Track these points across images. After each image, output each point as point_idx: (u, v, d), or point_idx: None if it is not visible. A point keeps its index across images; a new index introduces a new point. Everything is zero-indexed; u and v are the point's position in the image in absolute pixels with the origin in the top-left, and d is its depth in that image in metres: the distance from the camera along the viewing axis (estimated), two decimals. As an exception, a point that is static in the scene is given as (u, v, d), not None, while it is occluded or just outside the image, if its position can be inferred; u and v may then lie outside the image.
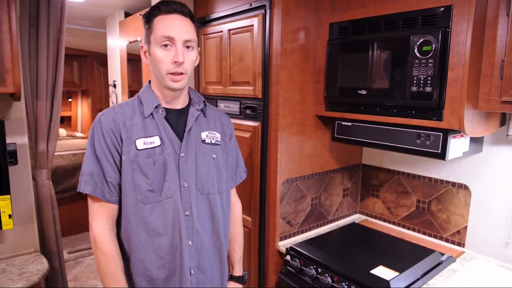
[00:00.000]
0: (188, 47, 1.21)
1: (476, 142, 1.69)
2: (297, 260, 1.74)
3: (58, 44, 1.88)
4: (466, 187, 1.81)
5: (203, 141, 1.30)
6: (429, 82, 1.42)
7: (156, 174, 1.19)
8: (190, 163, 1.25)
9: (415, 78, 1.46)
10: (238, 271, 1.53)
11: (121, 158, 1.19)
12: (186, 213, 1.23)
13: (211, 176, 1.29)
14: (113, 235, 1.21)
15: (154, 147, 1.20)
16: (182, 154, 1.24)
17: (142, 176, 1.18)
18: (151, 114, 1.24)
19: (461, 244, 1.84)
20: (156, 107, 1.25)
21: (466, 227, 1.82)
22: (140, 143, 1.19)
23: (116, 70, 3.51)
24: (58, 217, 2.01)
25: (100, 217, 1.19)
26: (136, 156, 1.18)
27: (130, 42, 3.06)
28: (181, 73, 1.20)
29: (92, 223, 1.19)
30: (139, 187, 1.18)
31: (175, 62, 1.18)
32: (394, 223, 2.13)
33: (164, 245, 1.20)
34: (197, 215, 1.25)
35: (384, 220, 2.18)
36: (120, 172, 1.20)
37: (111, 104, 3.70)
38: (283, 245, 1.87)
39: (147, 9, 1.26)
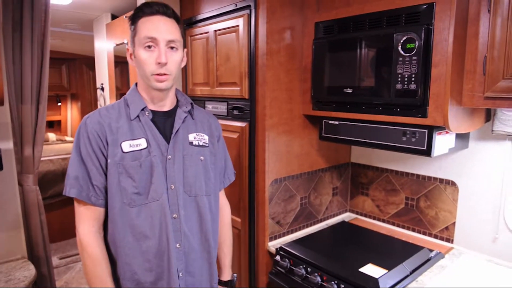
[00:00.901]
0: (172, 47, 1.21)
1: (462, 138, 1.70)
2: (287, 260, 1.74)
3: (43, 47, 1.86)
4: (453, 183, 1.82)
5: (191, 143, 1.30)
6: (413, 79, 1.43)
7: (142, 176, 1.18)
8: (177, 165, 1.24)
9: (400, 75, 1.46)
10: (227, 276, 1.53)
11: (106, 161, 1.18)
12: (174, 215, 1.22)
13: (198, 178, 1.29)
14: (100, 238, 1.20)
15: (141, 150, 1.20)
16: (169, 156, 1.23)
17: (128, 178, 1.17)
18: (138, 116, 1.23)
19: (449, 240, 1.85)
20: (143, 109, 1.24)
21: (454, 223, 1.83)
22: (126, 146, 1.19)
23: (104, 73, 3.48)
24: (46, 222, 1.99)
25: (87, 221, 1.18)
26: (122, 158, 1.17)
27: (117, 45, 3.04)
28: (165, 74, 1.20)
29: (79, 227, 1.18)
30: (125, 190, 1.17)
31: (159, 63, 1.17)
32: (383, 221, 2.14)
33: (151, 248, 1.20)
34: (185, 217, 1.25)
35: (374, 218, 2.19)
36: (106, 175, 1.19)
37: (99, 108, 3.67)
38: (273, 245, 1.87)
39: (132, 12, 1.25)
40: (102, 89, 3.52)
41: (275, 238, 1.92)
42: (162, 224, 1.20)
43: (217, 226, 1.39)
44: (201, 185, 1.30)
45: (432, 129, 1.47)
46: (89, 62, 5.65)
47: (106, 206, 1.21)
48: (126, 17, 2.74)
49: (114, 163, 1.17)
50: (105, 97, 3.48)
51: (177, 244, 1.23)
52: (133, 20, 1.22)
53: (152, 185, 1.19)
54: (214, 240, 1.36)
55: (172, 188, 1.22)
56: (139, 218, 1.18)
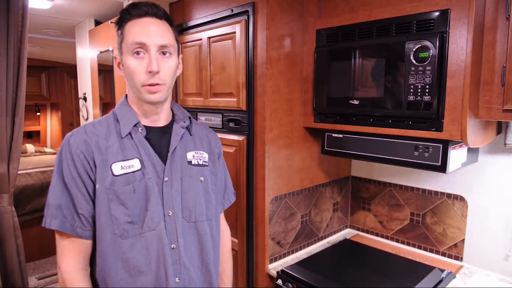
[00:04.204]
0: (164, 53, 1.07)
1: (472, 152, 1.62)
2: (290, 284, 1.61)
3: (20, 54, 1.69)
4: (462, 199, 1.73)
5: (189, 162, 1.15)
6: (427, 90, 1.34)
7: (136, 203, 1.03)
8: (175, 188, 1.10)
9: (412, 86, 1.37)
10: None
11: (94, 186, 1.03)
12: (172, 245, 1.07)
13: (199, 202, 1.15)
14: (86, 276, 1.04)
15: (134, 172, 1.05)
16: (166, 179, 1.09)
17: (120, 206, 1.02)
18: (129, 133, 1.09)
19: (458, 258, 1.76)
20: (135, 125, 1.10)
21: (463, 240, 1.74)
22: (117, 168, 1.04)
23: (86, 82, 3.31)
24: (23, 247, 1.81)
25: (71, 256, 1.02)
26: (113, 183, 1.02)
27: (101, 52, 2.88)
28: (158, 84, 1.06)
29: (61, 263, 1.02)
30: (117, 219, 1.02)
31: (150, 72, 1.03)
32: (387, 238, 2.03)
33: (147, 284, 1.04)
34: (184, 247, 1.10)
35: (377, 235, 2.08)
36: (93, 202, 1.03)
37: (81, 119, 3.49)
38: (273, 268, 1.74)
39: (118, 15, 1.11)
40: (85, 99, 3.34)
41: (275, 259, 1.79)
42: (159, 256, 1.05)
43: (218, 253, 1.25)
44: (202, 209, 1.15)
45: (447, 144, 1.37)
46: (70, 70, 5.46)
47: (93, 238, 1.05)
48: (111, 22, 2.59)
49: (103, 189, 1.02)
50: (88, 108, 3.31)
51: (176, 279, 1.08)
52: (120, 24, 1.08)
53: (148, 212, 1.04)
54: (215, 269, 1.22)
55: (170, 214, 1.08)
56: (133, 251, 1.03)
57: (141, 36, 1.03)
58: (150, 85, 1.05)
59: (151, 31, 1.05)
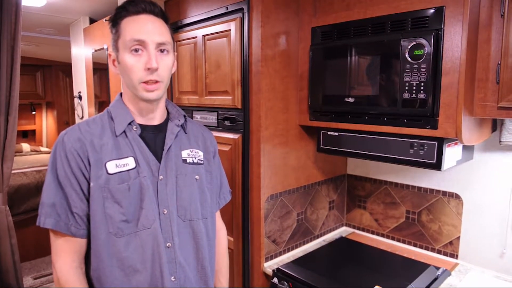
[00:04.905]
0: (162, 50, 1.06)
1: (467, 149, 1.62)
2: (286, 283, 1.61)
3: (13, 52, 1.68)
4: (457, 196, 1.74)
5: (184, 160, 1.15)
6: (422, 88, 1.34)
7: (131, 201, 1.03)
8: (170, 187, 1.09)
9: (407, 84, 1.37)
10: None
11: (89, 184, 1.02)
12: (167, 244, 1.07)
13: (194, 200, 1.14)
14: (82, 275, 1.04)
15: (128, 170, 1.04)
16: (161, 177, 1.08)
17: (114, 204, 1.02)
18: (124, 132, 1.08)
19: (454, 255, 1.76)
20: (130, 123, 1.09)
21: (458, 237, 1.74)
22: (112, 166, 1.03)
23: (81, 81, 3.30)
24: (17, 246, 1.80)
25: (65, 255, 1.02)
26: (107, 181, 1.02)
27: (96, 50, 2.87)
28: (156, 81, 1.05)
29: (56, 262, 1.02)
30: (112, 217, 1.01)
31: (148, 68, 1.03)
32: (383, 235, 2.04)
33: (142, 283, 1.04)
34: (179, 245, 1.10)
35: (372, 233, 2.08)
36: (88, 201, 1.03)
37: (76, 117, 3.48)
38: (269, 266, 1.74)
39: (114, 11, 1.11)
40: (80, 97, 3.32)
41: (271, 258, 1.79)
42: (154, 255, 1.04)
43: (214, 251, 1.25)
44: (197, 208, 1.15)
45: (442, 141, 1.37)
46: (65, 68, 5.43)
47: (88, 237, 1.05)
48: (106, 20, 2.58)
49: (98, 187, 1.01)
50: (83, 106, 3.29)
51: (172, 277, 1.07)
52: (115, 20, 1.07)
53: (143, 210, 1.04)
54: (211, 268, 1.21)
55: (165, 213, 1.08)
56: (128, 249, 1.03)
57: (140, 33, 1.03)
58: (148, 82, 1.04)
59: (149, 29, 1.04)
